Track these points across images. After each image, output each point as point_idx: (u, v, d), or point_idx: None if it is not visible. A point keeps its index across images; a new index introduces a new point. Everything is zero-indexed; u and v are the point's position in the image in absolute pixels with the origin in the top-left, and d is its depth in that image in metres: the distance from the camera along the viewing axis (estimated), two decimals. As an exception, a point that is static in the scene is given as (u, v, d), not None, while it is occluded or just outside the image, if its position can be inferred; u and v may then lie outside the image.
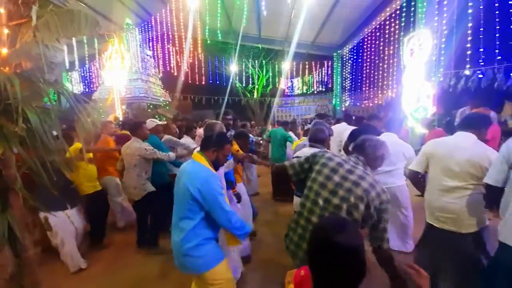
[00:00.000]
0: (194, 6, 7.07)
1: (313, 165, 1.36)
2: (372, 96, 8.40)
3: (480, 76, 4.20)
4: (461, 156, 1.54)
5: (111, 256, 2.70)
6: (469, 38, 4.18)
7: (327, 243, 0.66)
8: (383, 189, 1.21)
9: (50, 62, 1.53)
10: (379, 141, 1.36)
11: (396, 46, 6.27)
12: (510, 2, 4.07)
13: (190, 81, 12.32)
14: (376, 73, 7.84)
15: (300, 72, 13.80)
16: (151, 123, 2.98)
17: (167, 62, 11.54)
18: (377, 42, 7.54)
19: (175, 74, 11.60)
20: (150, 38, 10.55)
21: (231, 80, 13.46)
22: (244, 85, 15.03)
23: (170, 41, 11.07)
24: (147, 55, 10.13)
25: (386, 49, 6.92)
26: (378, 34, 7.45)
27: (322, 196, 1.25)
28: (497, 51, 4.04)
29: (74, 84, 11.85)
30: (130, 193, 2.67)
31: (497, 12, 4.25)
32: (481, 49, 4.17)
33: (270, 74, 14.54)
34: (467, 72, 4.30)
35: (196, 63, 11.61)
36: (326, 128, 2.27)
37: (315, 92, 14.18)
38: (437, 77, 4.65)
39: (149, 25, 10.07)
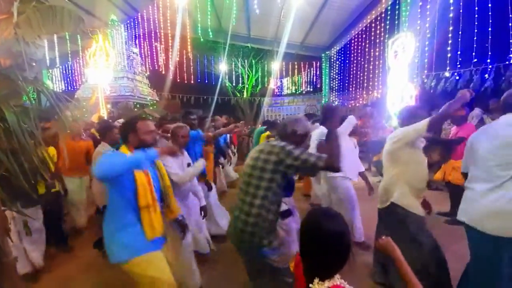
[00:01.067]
0: (183, 4, 6.98)
1: None
2: (358, 96, 8.62)
3: (457, 77, 4.42)
4: None
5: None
6: (449, 42, 4.39)
7: (318, 227, 0.79)
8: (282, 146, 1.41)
9: (30, 59, 1.47)
10: (291, 120, 1.61)
11: (381, 48, 6.46)
12: (489, 5, 4.29)
13: (178, 80, 12.14)
14: (362, 74, 8.06)
15: (290, 72, 13.93)
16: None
17: (154, 60, 11.31)
18: (363, 44, 7.74)
19: (163, 72, 11.39)
20: (137, 35, 10.28)
21: (220, 80, 13.39)
22: (233, 84, 14.99)
23: (158, 39, 10.85)
24: (133, 53, 9.86)
25: (372, 51, 7.12)
26: (364, 36, 7.65)
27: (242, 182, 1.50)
28: (474, 53, 4.26)
29: (55, 82, 11.37)
30: (97, 199, 2.50)
31: (476, 15, 4.48)
32: (459, 52, 4.39)
33: (260, 74, 14.58)
34: (446, 74, 4.51)
35: (185, 61, 11.45)
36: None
37: (304, 92, 14.35)
38: (419, 79, 4.85)
39: (136, 21, 9.81)
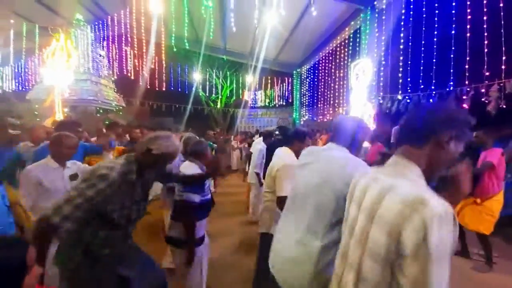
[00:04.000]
0: (158, 12, 6.88)
1: None
2: (326, 112, 9.19)
3: (408, 100, 5.02)
4: None
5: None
6: (400, 69, 5.01)
7: None
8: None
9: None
10: (152, 136, 1.36)
11: (345, 70, 7.07)
12: (434, 39, 4.99)
13: (149, 87, 11.70)
14: (328, 92, 8.67)
15: (263, 86, 14.38)
16: None
17: (123, 64, 10.79)
18: (330, 65, 8.39)
19: (132, 78, 10.89)
20: (105, 38, 9.78)
21: (194, 89, 13.22)
22: (207, 94, 14.91)
23: (129, 44, 10.44)
24: (100, 55, 9.30)
25: (337, 71, 7.75)
26: (330, 58, 8.31)
27: None
28: (420, 80, 4.90)
29: (5, 81, 10.16)
30: None
31: (422, 48, 5.17)
32: (409, 78, 5.02)
33: (234, 86, 14.77)
34: (399, 97, 5.09)
35: (157, 68, 11.12)
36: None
37: (277, 105, 14.86)
38: (376, 99, 5.38)
39: (105, 24, 9.36)
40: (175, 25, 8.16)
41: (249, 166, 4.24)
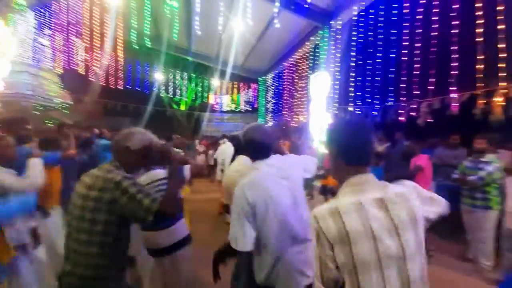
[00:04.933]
0: (115, 3, 6.43)
1: None
2: (289, 119, 9.67)
3: (359, 112, 5.66)
4: None
5: None
6: (352, 84, 5.64)
7: None
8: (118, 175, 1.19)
9: None
10: (123, 134, 1.36)
11: (306, 81, 7.60)
12: (377, 60, 5.74)
13: (104, 84, 10.69)
14: (292, 100, 9.17)
15: (230, 90, 14.42)
16: None
17: (72, 57, 9.68)
18: (293, 75, 8.92)
19: (83, 73, 9.84)
20: (50, 26, 8.67)
21: (156, 89, 12.54)
22: (171, 96, 14.30)
23: (80, 35, 9.43)
24: (42, 45, 8.19)
25: (299, 82, 8.27)
26: (294, 68, 8.84)
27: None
28: (367, 95, 5.60)
29: None
30: None
31: (368, 67, 5.91)
32: (359, 93, 5.68)
33: (200, 88, 14.47)
34: (350, 109, 5.70)
35: (113, 64, 10.26)
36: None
37: (243, 110, 15.03)
38: (332, 110, 5.92)
39: (50, 10, 8.32)
40: (137, 20, 7.71)
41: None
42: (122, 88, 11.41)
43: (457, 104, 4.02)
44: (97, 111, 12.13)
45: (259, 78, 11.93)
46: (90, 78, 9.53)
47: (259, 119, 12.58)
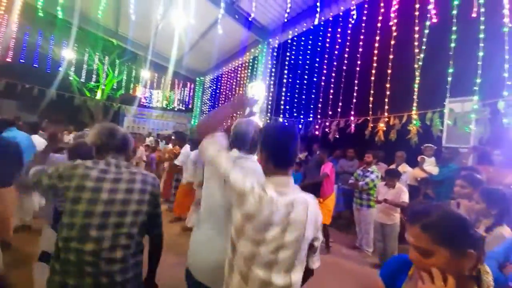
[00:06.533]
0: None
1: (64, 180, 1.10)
2: (224, 124, 9.82)
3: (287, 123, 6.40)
4: None
5: None
6: (282, 98, 6.35)
7: None
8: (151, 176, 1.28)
9: None
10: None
11: (244, 88, 7.98)
12: (304, 81, 6.65)
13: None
14: (228, 105, 9.37)
15: (162, 86, 13.36)
16: None
17: None
18: (231, 80, 9.18)
19: None
20: None
21: (62, 69, 10.26)
22: (83, 80, 11.93)
23: None
24: None
25: (237, 88, 8.59)
26: (232, 74, 9.12)
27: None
28: (294, 109, 6.42)
29: None
30: None
31: (296, 85, 6.77)
32: (287, 106, 6.44)
33: (124, 78, 12.74)
34: (280, 120, 6.38)
35: (2, 29, 7.87)
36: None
37: (176, 109, 14.18)
38: (265, 119, 6.45)
39: None
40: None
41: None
42: (11, 61, 8.84)
43: (354, 126, 5.16)
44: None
45: (197, 78, 11.65)
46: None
47: (193, 120, 12.20)
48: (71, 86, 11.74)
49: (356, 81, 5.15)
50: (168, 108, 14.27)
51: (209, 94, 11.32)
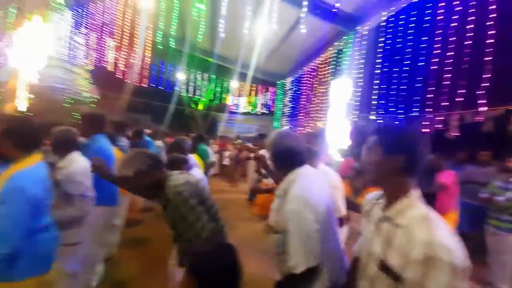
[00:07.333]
0: (147, 6, 6.73)
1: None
2: (305, 125, 9.55)
3: (381, 121, 5.48)
4: None
5: None
6: (375, 92, 5.47)
7: None
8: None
9: None
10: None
11: (327, 86, 7.48)
12: (404, 68, 5.54)
13: (128, 81, 11.21)
14: (309, 106, 9.06)
15: (247, 92, 14.56)
16: None
17: (102, 55, 10.24)
18: (313, 80, 8.81)
19: (112, 70, 10.37)
20: (85, 26, 9.24)
21: (177, 88, 12.95)
22: (190, 95, 14.73)
23: (112, 34, 9.96)
24: (78, 43, 8.77)
25: (319, 87, 8.16)
26: (314, 73, 8.74)
27: None
28: (391, 104, 5.40)
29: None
30: None
31: (394, 75, 5.71)
32: (381, 101, 5.49)
33: (219, 89, 14.76)
34: (372, 117, 5.53)
35: (139, 63, 10.74)
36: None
37: (259, 113, 15.08)
38: (352, 117, 5.77)
39: (87, 11, 8.88)
40: (164, 22, 8.02)
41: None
42: (146, 86, 11.90)
43: (483, 118, 3.77)
44: (120, 106, 12.74)
45: (278, 82, 11.91)
46: (117, 76, 10.02)
47: (275, 122, 12.55)
48: (183, 101, 14.70)
49: (488, 58, 3.78)
50: (252, 112, 15.38)
51: (290, 96, 11.35)
